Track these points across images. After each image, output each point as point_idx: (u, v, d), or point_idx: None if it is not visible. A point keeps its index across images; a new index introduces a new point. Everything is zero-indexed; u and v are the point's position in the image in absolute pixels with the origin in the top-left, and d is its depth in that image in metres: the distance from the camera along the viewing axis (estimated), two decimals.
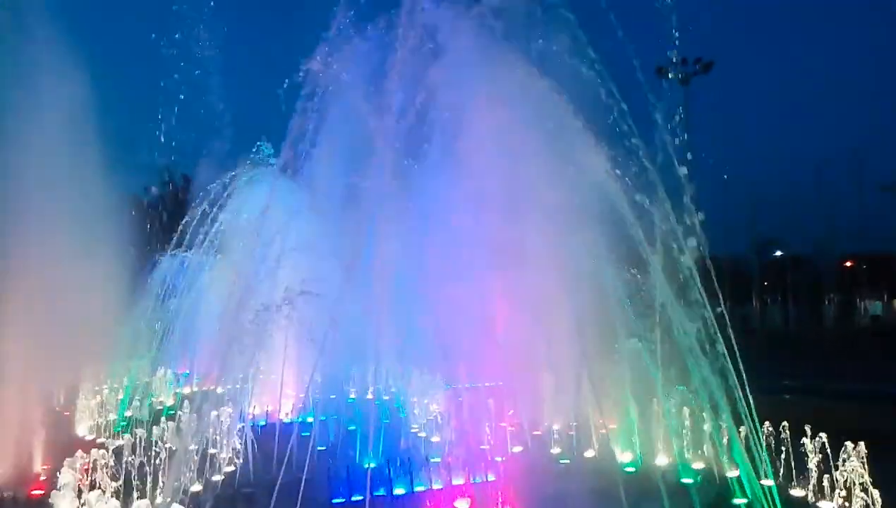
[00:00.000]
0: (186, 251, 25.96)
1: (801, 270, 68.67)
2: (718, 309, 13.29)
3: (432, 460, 12.54)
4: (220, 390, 15.74)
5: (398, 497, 11.55)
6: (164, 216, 31.22)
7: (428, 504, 10.62)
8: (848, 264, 72.64)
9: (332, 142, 14.97)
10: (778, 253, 73.35)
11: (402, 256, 12.42)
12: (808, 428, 10.83)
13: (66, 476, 8.86)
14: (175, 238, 26.85)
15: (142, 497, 9.52)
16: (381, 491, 11.62)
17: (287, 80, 16.18)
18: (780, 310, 71.03)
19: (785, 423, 11.68)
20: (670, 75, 49.44)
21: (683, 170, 13.93)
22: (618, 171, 13.13)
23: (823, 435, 10.51)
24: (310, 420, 17.86)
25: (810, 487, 10.73)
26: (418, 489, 11.75)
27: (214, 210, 24.66)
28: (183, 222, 26.62)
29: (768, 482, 11.19)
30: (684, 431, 13.03)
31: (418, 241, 12.84)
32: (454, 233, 13.09)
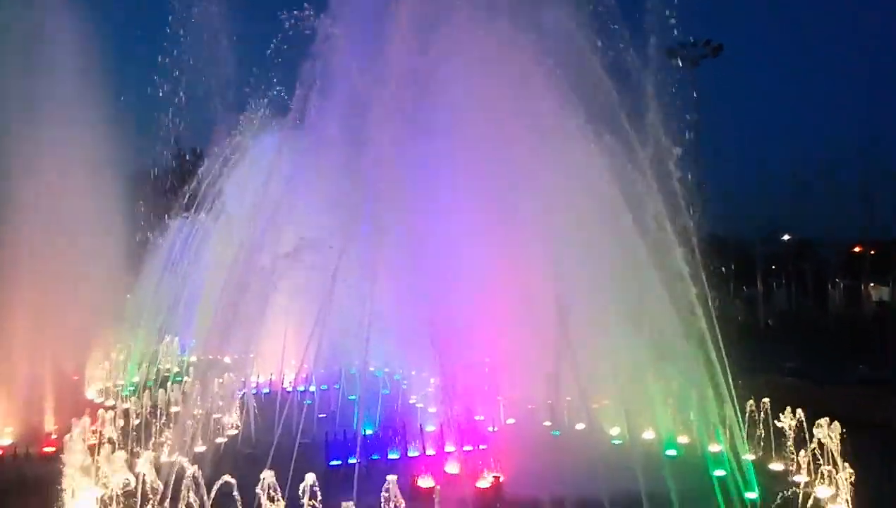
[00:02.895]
0: (194, 215, 26.37)
1: (807, 255, 68.54)
2: (713, 293, 13.61)
3: (427, 429, 12.99)
4: (226, 359, 16.26)
5: (392, 461, 12.04)
6: (173, 186, 31.55)
7: (420, 468, 11.03)
8: (856, 249, 72.37)
9: (332, 98, 15.08)
10: (786, 237, 73.23)
11: (400, 227, 12.68)
12: (788, 408, 11.23)
13: (77, 433, 9.39)
14: (183, 202, 27.29)
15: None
16: (377, 456, 12.12)
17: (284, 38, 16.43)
18: (786, 294, 71.05)
19: (766, 401, 12.06)
20: (679, 59, 49.28)
21: (677, 151, 14.10)
22: (622, 150, 13.39)
23: (800, 413, 10.91)
24: (311, 389, 18.41)
25: (787, 462, 11.16)
26: (412, 455, 12.26)
27: (221, 172, 25.04)
28: (190, 187, 27.04)
29: (749, 456, 11.65)
30: (671, 408, 13.42)
31: (417, 210, 13.04)
32: (453, 205, 13.28)
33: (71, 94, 17.01)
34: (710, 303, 13.28)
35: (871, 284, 66.57)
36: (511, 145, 12.73)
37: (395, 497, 6.51)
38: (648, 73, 15.19)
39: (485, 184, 12.75)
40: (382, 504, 6.70)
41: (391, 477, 6.61)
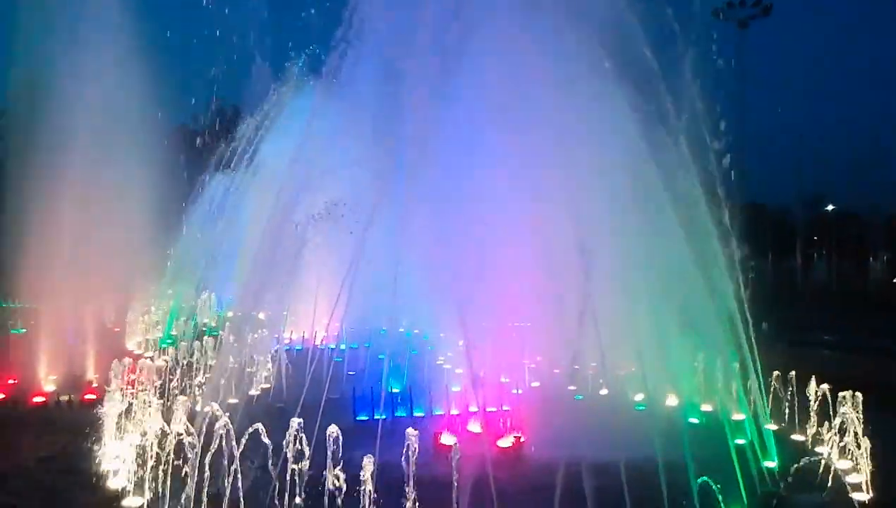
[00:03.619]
0: (232, 172, 26.81)
1: (848, 225, 67.02)
2: (748, 262, 13.51)
3: (453, 389, 13.27)
4: (261, 316, 16.69)
5: (417, 418, 12.36)
6: (213, 142, 32.06)
7: (444, 425, 11.31)
8: None
9: (368, 58, 15.11)
10: (830, 207, 71.61)
11: (430, 188, 12.77)
12: (813, 379, 11.22)
13: (115, 381, 9.85)
14: (222, 159, 27.74)
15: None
16: (402, 413, 12.46)
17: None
18: (825, 265, 69.78)
19: (793, 373, 12.04)
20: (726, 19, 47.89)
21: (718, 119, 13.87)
22: (658, 113, 13.21)
23: (826, 386, 10.89)
24: (342, 347, 18.82)
25: (810, 433, 11.19)
26: (437, 412, 12.57)
27: (258, 131, 25.33)
28: (229, 143, 27.44)
29: (772, 426, 11.70)
30: (696, 376, 13.47)
31: (446, 174, 13.11)
32: (483, 168, 13.29)
33: (113, 49, 17.31)
34: (740, 272, 13.21)
35: None
36: (541, 108, 12.63)
37: (415, 449, 6.74)
38: (691, 34, 14.92)
39: (514, 147, 12.69)
40: (404, 456, 6.94)
41: (411, 431, 6.83)
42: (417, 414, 12.61)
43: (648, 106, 13.31)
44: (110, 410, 9.75)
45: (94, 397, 13.10)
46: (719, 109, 15.06)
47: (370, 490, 6.69)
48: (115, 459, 9.12)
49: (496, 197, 12.80)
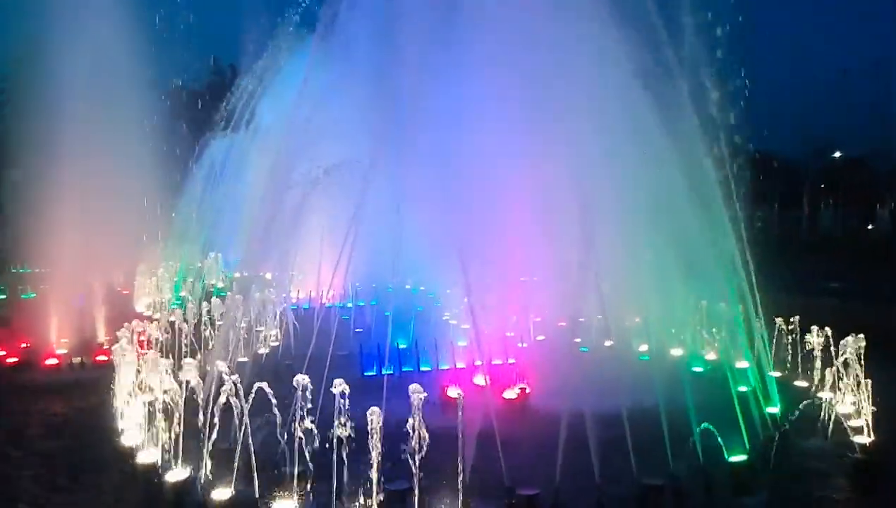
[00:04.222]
0: (232, 133, 26.72)
1: (856, 173, 66.42)
2: (753, 210, 13.46)
3: (459, 343, 13.41)
4: (267, 275, 16.81)
5: (424, 372, 12.56)
6: (211, 103, 31.91)
7: (450, 379, 11.47)
8: None
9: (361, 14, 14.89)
10: (837, 154, 70.83)
11: (431, 143, 12.71)
12: (815, 326, 11.29)
13: (124, 341, 10.00)
14: (222, 119, 27.65)
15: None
16: (409, 368, 12.64)
17: None
18: (832, 214, 69.42)
19: (796, 319, 12.11)
20: None
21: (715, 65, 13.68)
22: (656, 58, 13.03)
23: (828, 330, 10.97)
24: (349, 305, 18.98)
25: (813, 379, 11.32)
26: (443, 367, 12.74)
27: (256, 90, 25.16)
28: (228, 103, 27.30)
29: (775, 373, 11.82)
30: (700, 325, 13.57)
31: (446, 126, 13.03)
32: (482, 122, 13.19)
33: (107, 13, 17.14)
34: (743, 220, 13.18)
35: None
36: (540, 62, 12.48)
37: (420, 400, 6.85)
38: None
39: (513, 102, 12.58)
40: (413, 408, 7.06)
41: (414, 386, 6.94)
42: (424, 368, 12.80)
43: (651, 57, 13.13)
44: (121, 370, 9.92)
45: (105, 358, 13.30)
46: (723, 57, 14.87)
47: (377, 440, 6.82)
48: (128, 417, 9.32)
49: (496, 151, 12.73)
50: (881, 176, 65.68)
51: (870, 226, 61.33)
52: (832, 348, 10.76)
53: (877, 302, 19.76)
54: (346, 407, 7.03)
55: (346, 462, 7.05)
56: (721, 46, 15.04)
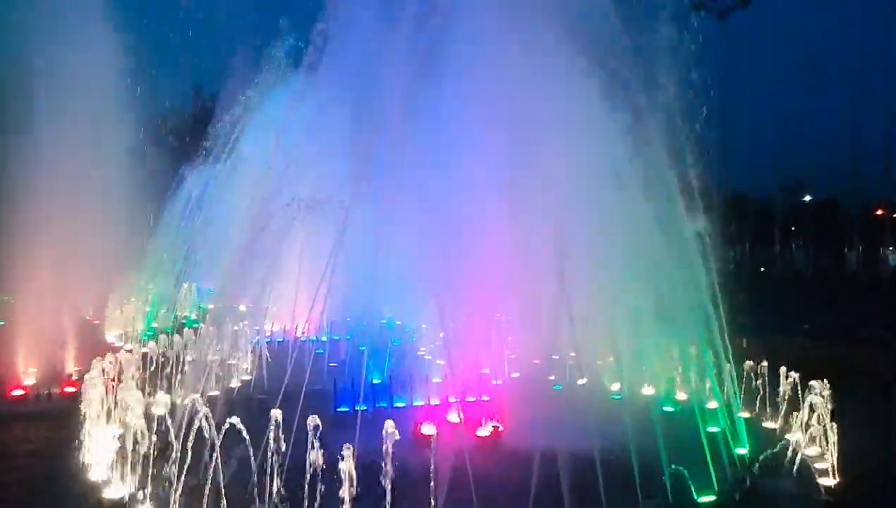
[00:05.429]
0: (212, 163, 26.71)
1: (827, 215, 67.93)
2: (725, 251, 13.72)
3: (433, 380, 13.41)
4: (242, 307, 16.71)
5: (398, 408, 12.51)
6: (190, 133, 31.94)
7: (423, 416, 11.44)
8: (878, 212, 71.42)
9: (345, 51, 15.14)
10: (807, 197, 72.49)
11: (410, 180, 12.88)
12: (783, 368, 11.50)
13: (96, 373, 9.88)
14: (201, 149, 27.67)
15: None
16: (384, 404, 12.60)
17: None
18: (804, 255, 70.74)
19: (765, 363, 12.34)
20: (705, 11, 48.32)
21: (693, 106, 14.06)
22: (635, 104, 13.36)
23: (795, 375, 11.18)
24: (323, 339, 18.90)
25: (780, 421, 11.50)
26: (417, 403, 12.73)
27: (236, 123, 25.27)
28: (208, 134, 27.37)
29: (745, 414, 11.98)
30: (671, 365, 13.72)
31: (426, 165, 13.21)
32: (463, 159, 13.37)
33: (88, 39, 17.21)
34: (715, 261, 13.44)
35: (891, 248, 66.03)
36: (517, 101, 12.74)
37: (393, 439, 6.88)
38: (670, 26, 15.11)
39: (493, 138, 12.81)
40: (383, 446, 7.07)
41: (389, 423, 6.97)
42: (398, 404, 12.77)
43: (626, 98, 13.48)
44: (90, 403, 9.79)
45: (73, 389, 13.10)
46: (697, 100, 15.32)
47: (350, 478, 6.81)
48: (96, 451, 9.18)
49: (474, 189, 12.91)
50: (850, 217, 67.15)
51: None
52: (799, 391, 10.96)
53: (849, 343, 20.12)
54: (319, 444, 7.02)
55: (318, 498, 7.02)
56: (695, 87, 15.52)
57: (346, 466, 6.72)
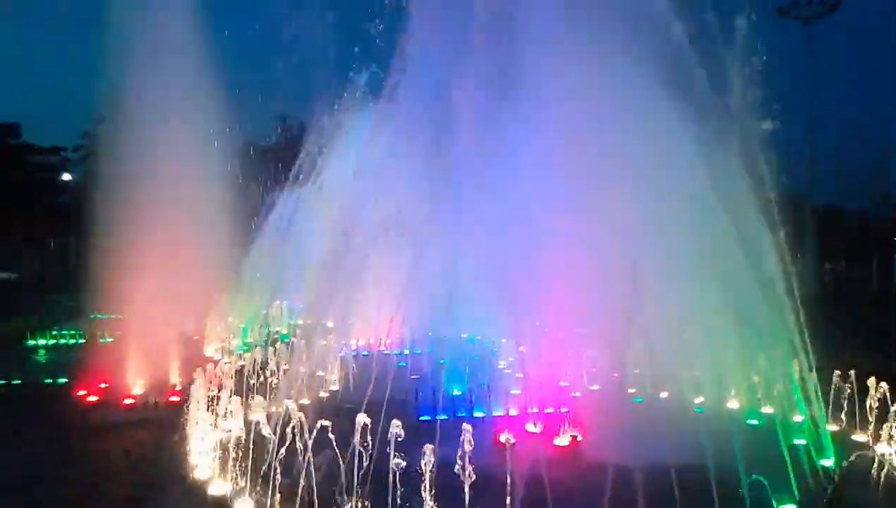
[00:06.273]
0: (300, 188, 28.06)
1: None
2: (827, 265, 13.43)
3: (512, 392, 13.70)
4: (329, 323, 17.50)
5: (477, 418, 12.85)
6: (280, 161, 33.58)
7: (502, 425, 11.74)
8: None
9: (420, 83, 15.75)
10: None
11: (487, 202, 13.28)
12: (872, 379, 11.20)
13: (198, 382, 10.71)
14: (290, 175, 29.12)
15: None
16: (463, 413, 12.98)
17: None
18: None
19: (852, 373, 12.03)
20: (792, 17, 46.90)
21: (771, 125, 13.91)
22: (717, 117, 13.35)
23: (885, 385, 10.87)
24: (406, 352, 19.48)
25: (870, 433, 11.18)
26: (496, 413, 13.03)
27: (322, 151, 26.48)
28: (296, 160, 28.81)
29: (832, 427, 11.70)
30: (757, 378, 13.49)
31: (503, 185, 13.58)
32: (539, 179, 13.66)
33: (184, 73, 18.55)
34: (806, 274, 13.21)
35: None
36: (592, 114, 12.94)
37: (471, 444, 7.24)
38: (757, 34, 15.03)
39: (567, 159, 13.07)
40: (462, 450, 7.43)
41: (467, 426, 7.34)
42: (478, 414, 13.11)
43: (710, 112, 13.46)
44: (194, 409, 10.61)
45: (177, 398, 14.13)
46: (782, 108, 15.10)
47: (429, 481, 7.22)
48: (200, 453, 9.94)
49: (550, 207, 13.18)
50: None
51: None
52: (889, 402, 10.66)
53: None
54: (402, 449, 7.45)
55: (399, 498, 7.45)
56: (783, 99, 15.31)
57: (426, 460, 7.13)
